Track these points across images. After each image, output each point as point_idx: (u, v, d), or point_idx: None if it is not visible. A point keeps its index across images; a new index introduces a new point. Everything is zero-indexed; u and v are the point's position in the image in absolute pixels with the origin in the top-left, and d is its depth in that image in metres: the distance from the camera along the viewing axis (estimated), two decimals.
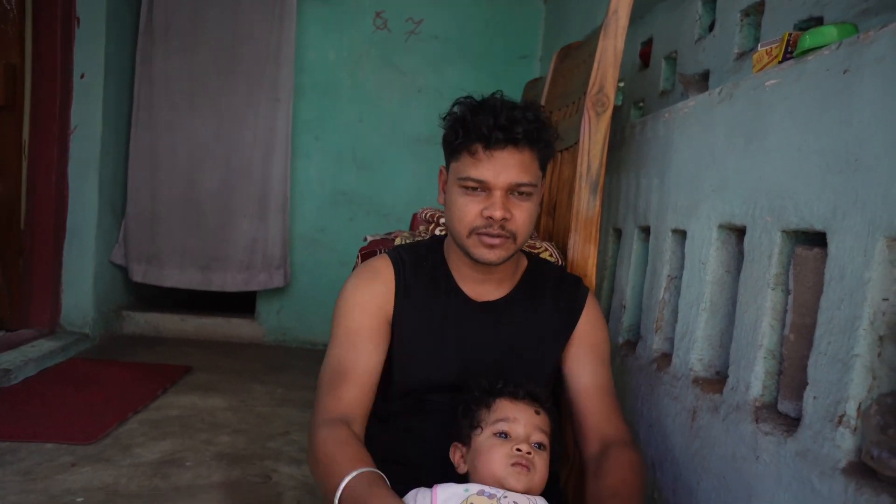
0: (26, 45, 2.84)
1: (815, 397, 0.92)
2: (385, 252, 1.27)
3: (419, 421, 1.17)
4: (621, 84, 2.47)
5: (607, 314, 1.79)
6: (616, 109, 2.44)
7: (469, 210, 1.10)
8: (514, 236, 1.11)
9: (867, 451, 0.83)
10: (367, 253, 1.47)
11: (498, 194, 1.08)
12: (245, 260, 3.38)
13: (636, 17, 2.26)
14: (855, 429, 0.85)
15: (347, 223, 3.50)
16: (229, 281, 3.38)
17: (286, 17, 3.32)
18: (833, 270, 0.91)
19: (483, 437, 1.01)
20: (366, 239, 1.56)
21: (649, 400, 1.44)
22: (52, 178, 2.95)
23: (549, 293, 1.23)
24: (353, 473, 0.94)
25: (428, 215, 1.58)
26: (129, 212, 3.33)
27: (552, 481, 1.06)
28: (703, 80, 1.88)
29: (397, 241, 1.47)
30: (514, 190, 1.10)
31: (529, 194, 1.11)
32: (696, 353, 1.30)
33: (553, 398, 1.22)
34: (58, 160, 2.96)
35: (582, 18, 2.80)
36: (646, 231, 1.61)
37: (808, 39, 1.06)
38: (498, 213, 1.08)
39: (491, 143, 1.08)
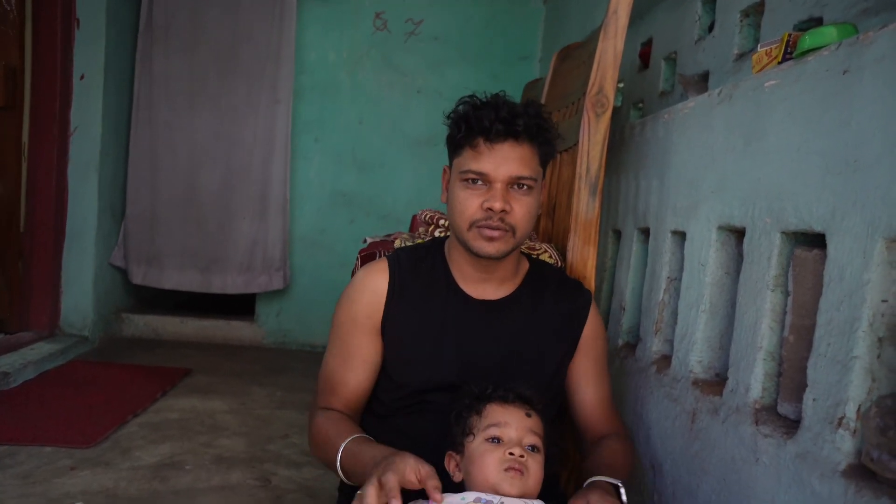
0: (26, 46, 2.84)
1: (814, 399, 0.92)
2: (385, 255, 1.28)
3: (419, 421, 1.17)
4: (621, 85, 2.47)
5: (607, 316, 1.78)
6: (615, 110, 2.43)
7: (470, 203, 1.11)
8: (513, 230, 1.12)
9: (867, 454, 0.82)
10: (367, 255, 1.46)
11: (498, 187, 1.10)
12: (245, 262, 3.38)
13: (636, 18, 2.26)
14: (855, 431, 0.85)
15: (347, 224, 3.50)
16: (229, 283, 3.38)
17: (286, 17, 3.32)
18: (832, 272, 0.91)
19: (476, 444, 1.01)
20: (365, 241, 1.56)
21: (649, 402, 1.44)
22: (52, 180, 2.95)
23: (551, 294, 1.24)
24: (347, 440, 1.08)
25: (427, 217, 1.58)
26: (128, 213, 3.33)
27: (552, 483, 1.06)
28: (702, 81, 1.87)
29: (397, 243, 1.47)
30: (514, 183, 1.11)
31: (530, 188, 1.13)
32: (695, 355, 1.29)
33: (554, 400, 1.22)
34: (58, 161, 2.96)
35: (581, 19, 2.80)
36: (645, 232, 1.61)
37: (808, 40, 1.05)
38: (497, 205, 1.09)
39: (491, 136, 1.10)
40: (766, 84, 1.10)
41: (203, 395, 2.50)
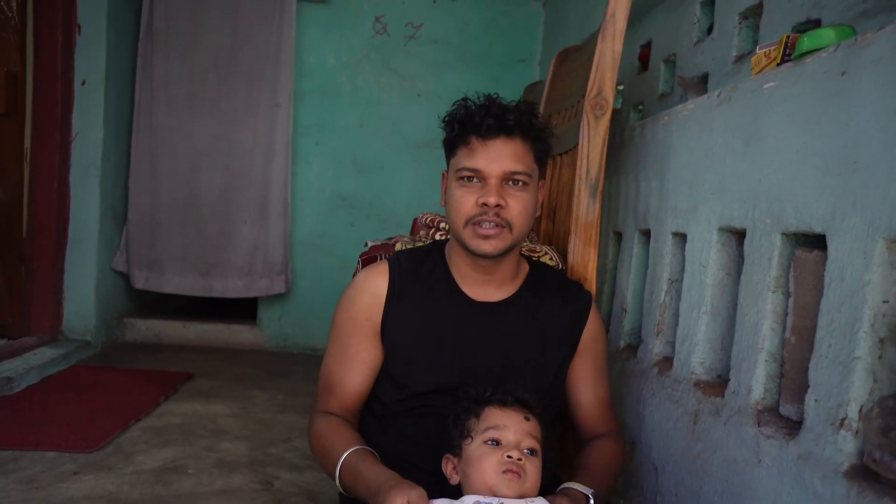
0: (27, 52, 2.85)
1: (816, 400, 0.92)
2: (386, 258, 1.29)
3: (420, 424, 1.17)
4: (620, 87, 2.47)
5: (608, 318, 1.78)
6: (616, 112, 2.43)
7: (465, 200, 1.13)
8: (509, 226, 1.12)
9: (869, 454, 0.82)
10: (368, 258, 1.47)
11: (493, 182, 1.12)
12: (246, 266, 3.38)
13: (634, 20, 2.26)
14: (857, 432, 0.85)
15: (348, 228, 3.50)
16: (230, 287, 3.38)
17: (286, 21, 3.33)
18: (833, 273, 0.91)
19: (474, 447, 1.01)
20: (366, 244, 1.56)
21: (651, 404, 1.44)
22: (54, 185, 2.95)
23: (552, 296, 1.24)
24: (347, 452, 1.08)
25: (428, 220, 1.58)
26: (130, 218, 3.34)
27: (552, 484, 1.06)
28: (701, 83, 1.88)
29: (398, 247, 1.47)
30: (508, 179, 1.12)
31: (525, 184, 1.14)
32: (697, 357, 1.29)
33: (554, 401, 1.23)
34: (59, 167, 2.96)
35: (581, 21, 2.81)
36: (646, 234, 1.61)
37: (806, 42, 1.06)
38: (492, 199, 1.10)
39: (483, 131, 1.12)
40: (766, 86, 1.11)
41: (205, 399, 2.50)
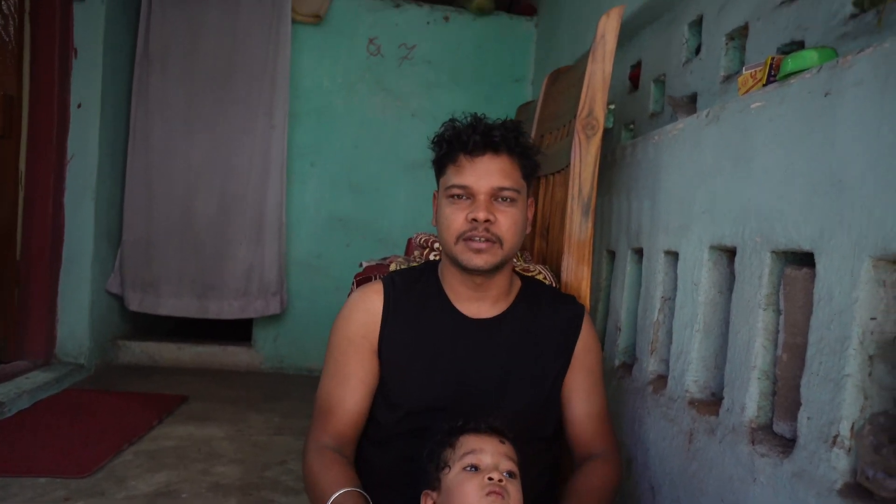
0: (24, 75, 2.87)
1: (808, 418, 0.92)
2: (380, 278, 1.29)
3: (415, 444, 1.16)
4: (612, 106, 2.50)
5: (603, 336, 1.79)
6: (608, 131, 2.46)
7: (455, 217, 1.15)
8: (500, 241, 1.14)
9: (862, 472, 0.83)
10: (363, 279, 1.47)
11: (481, 198, 1.14)
12: (241, 287, 3.38)
13: (624, 41, 2.29)
14: (849, 449, 0.85)
15: (343, 248, 3.50)
16: (226, 308, 3.37)
17: (281, 43, 3.36)
18: (822, 290, 0.92)
19: (452, 475, 1.01)
20: (361, 265, 1.57)
21: (646, 422, 1.44)
22: (49, 207, 2.95)
23: (546, 308, 1.25)
24: (334, 496, 1.04)
25: (422, 240, 1.59)
26: (125, 239, 3.34)
27: (548, 497, 1.06)
28: (691, 103, 1.90)
29: (392, 267, 1.48)
30: (496, 195, 1.15)
31: (513, 200, 1.16)
32: (691, 375, 1.29)
33: (551, 416, 1.22)
34: (54, 189, 2.97)
35: (572, 41, 2.85)
36: (639, 253, 1.62)
37: (791, 63, 1.08)
38: (481, 215, 1.12)
39: (470, 148, 1.15)
40: (752, 106, 1.12)
41: (200, 422, 2.48)
